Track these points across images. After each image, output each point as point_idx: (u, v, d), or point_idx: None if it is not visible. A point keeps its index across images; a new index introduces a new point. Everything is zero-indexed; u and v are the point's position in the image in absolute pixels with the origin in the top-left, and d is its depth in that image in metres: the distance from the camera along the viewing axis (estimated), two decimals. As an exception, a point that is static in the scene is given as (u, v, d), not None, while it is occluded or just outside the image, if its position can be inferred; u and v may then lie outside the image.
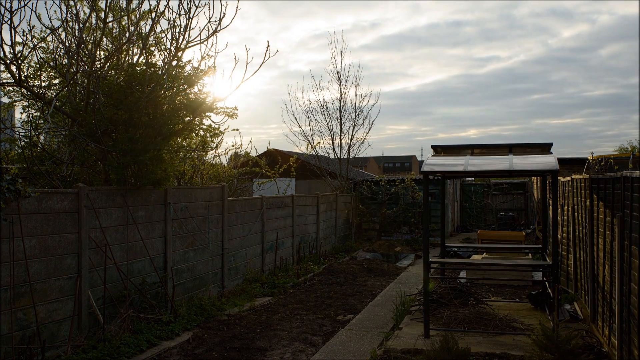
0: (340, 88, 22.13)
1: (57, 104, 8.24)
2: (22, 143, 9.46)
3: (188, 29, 8.86)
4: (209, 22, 8.97)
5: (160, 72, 8.58)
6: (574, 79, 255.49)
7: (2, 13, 7.11)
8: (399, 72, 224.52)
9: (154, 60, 9.53)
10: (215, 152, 13.83)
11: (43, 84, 9.24)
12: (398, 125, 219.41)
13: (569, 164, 18.91)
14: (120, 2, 9.36)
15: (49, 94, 9.06)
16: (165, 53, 9.30)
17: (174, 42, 8.91)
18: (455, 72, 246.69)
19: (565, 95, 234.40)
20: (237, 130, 13.52)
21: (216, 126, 10.61)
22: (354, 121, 22.08)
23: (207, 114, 9.65)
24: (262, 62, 9.44)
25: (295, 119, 22.40)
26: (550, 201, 12.74)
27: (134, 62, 9.28)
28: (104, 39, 9.30)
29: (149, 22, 9.22)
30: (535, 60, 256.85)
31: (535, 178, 22.58)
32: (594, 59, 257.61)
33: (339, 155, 22.16)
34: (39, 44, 8.67)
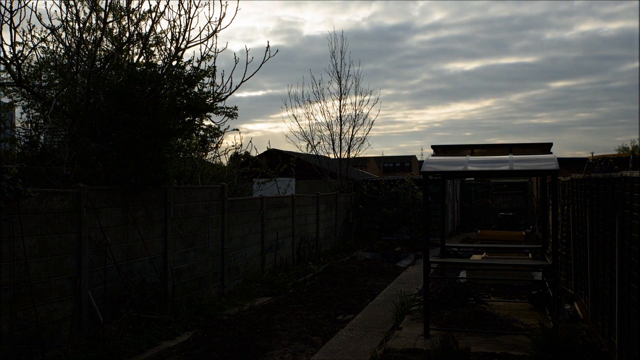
0: (340, 88, 22.18)
1: (57, 104, 8.24)
2: (22, 143, 9.46)
3: (188, 29, 8.87)
4: (209, 22, 8.97)
5: (160, 72, 8.58)
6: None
7: (2, 13, 7.11)
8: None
9: (154, 60, 9.54)
10: (215, 152, 13.86)
11: (43, 84, 9.25)
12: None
13: (569, 164, 18.91)
14: (121, 2, 9.38)
15: (49, 94, 9.06)
16: (165, 53, 9.30)
17: (174, 42, 8.91)
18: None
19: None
20: (237, 130, 13.54)
21: (216, 126, 10.63)
22: (354, 121, 22.14)
23: (207, 114, 9.65)
24: (262, 62, 9.45)
25: (296, 119, 22.44)
26: (550, 201, 12.74)
27: (134, 62, 9.29)
28: (104, 39, 9.31)
29: (149, 22, 9.23)
30: None
31: (535, 178, 22.58)
32: None
33: (339, 155, 22.18)
34: (39, 44, 8.68)
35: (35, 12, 7.84)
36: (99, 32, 8.92)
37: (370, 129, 22.31)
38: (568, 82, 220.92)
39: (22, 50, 7.97)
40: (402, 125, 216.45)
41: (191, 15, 8.85)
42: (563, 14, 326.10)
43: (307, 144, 21.88)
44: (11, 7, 7.15)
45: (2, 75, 8.89)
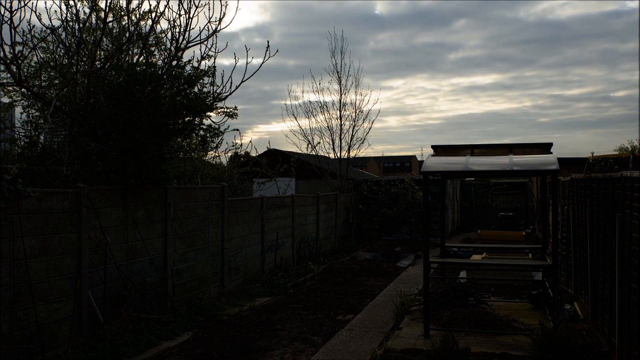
0: (340, 88, 22.18)
1: (57, 104, 8.23)
2: (22, 143, 9.46)
3: (188, 29, 8.87)
4: (209, 22, 8.97)
5: (160, 72, 8.58)
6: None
7: (2, 13, 7.11)
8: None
9: (154, 60, 9.54)
10: (215, 152, 13.86)
11: (43, 84, 9.24)
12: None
13: (569, 164, 18.90)
14: (120, 2, 9.38)
15: (49, 94, 9.06)
16: (165, 53, 9.30)
17: (174, 42, 8.91)
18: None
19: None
20: (237, 130, 13.54)
21: (216, 126, 10.62)
22: (354, 121, 22.16)
23: (207, 114, 9.65)
24: (262, 62, 9.45)
25: (296, 119, 22.45)
26: (550, 201, 12.73)
27: (134, 62, 9.28)
28: (104, 39, 9.31)
29: (149, 22, 9.23)
30: None
31: (535, 178, 22.58)
32: None
33: (339, 155, 22.18)
34: (39, 44, 8.67)
35: (35, 12, 7.82)
36: (99, 32, 8.92)
37: (370, 128, 22.37)
38: (579, 90, 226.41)
39: (22, 50, 7.96)
40: (418, 128, 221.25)
41: (191, 15, 8.84)
42: (601, 35, 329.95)
43: (307, 144, 21.90)
44: (11, 7, 7.15)
45: (2, 75, 8.89)
